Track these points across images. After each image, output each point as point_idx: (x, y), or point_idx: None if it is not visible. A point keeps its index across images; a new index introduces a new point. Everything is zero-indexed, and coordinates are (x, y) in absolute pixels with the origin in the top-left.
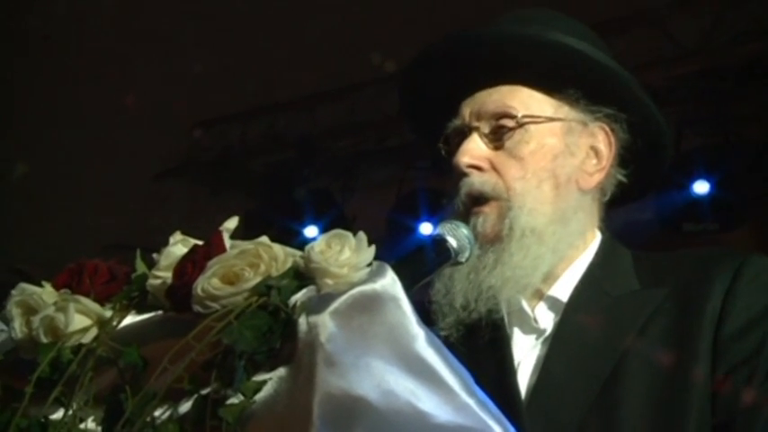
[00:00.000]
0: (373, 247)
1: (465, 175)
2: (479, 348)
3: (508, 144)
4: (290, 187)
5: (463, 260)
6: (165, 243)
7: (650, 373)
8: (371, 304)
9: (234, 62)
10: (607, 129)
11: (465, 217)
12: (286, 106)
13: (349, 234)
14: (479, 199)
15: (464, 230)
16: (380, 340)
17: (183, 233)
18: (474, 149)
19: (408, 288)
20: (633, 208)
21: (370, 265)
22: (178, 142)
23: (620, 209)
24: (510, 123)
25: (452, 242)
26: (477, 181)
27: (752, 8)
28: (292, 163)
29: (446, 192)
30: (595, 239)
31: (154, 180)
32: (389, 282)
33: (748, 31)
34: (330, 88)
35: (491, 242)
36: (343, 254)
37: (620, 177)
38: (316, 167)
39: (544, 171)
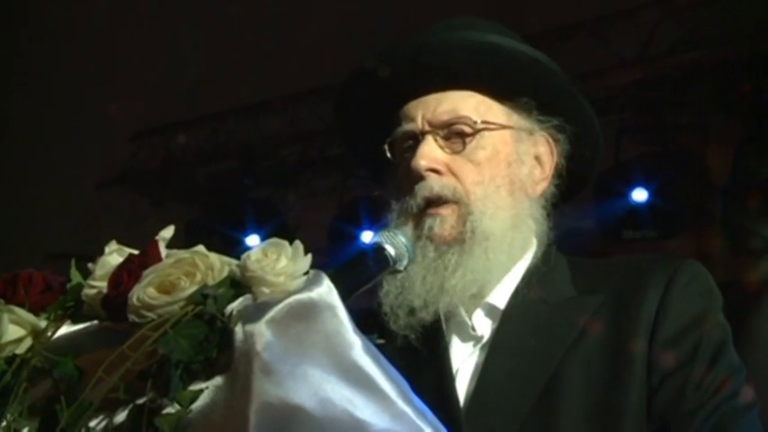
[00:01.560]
0: (310, 256)
1: (422, 178)
2: (418, 356)
3: (464, 149)
4: (232, 196)
5: (401, 268)
6: (100, 252)
7: (587, 380)
8: (308, 313)
9: (175, 70)
10: (550, 140)
11: (418, 218)
12: (228, 115)
13: (285, 243)
14: (436, 202)
15: (402, 238)
16: (317, 349)
17: (123, 243)
18: (431, 152)
19: (347, 296)
20: (574, 216)
21: (306, 273)
22: (120, 151)
23: (562, 216)
24: (466, 129)
25: (390, 250)
26: (436, 184)
27: (689, 18)
28: (234, 172)
29: (386, 199)
30: (533, 246)
31: (96, 189)
32: (326, 290)
33: (686, 41)
34: (272, 97)
35: (448, 244)
36: (279, 262)
37: (554, 189)
38: (258, 176)
39: (500, 177)
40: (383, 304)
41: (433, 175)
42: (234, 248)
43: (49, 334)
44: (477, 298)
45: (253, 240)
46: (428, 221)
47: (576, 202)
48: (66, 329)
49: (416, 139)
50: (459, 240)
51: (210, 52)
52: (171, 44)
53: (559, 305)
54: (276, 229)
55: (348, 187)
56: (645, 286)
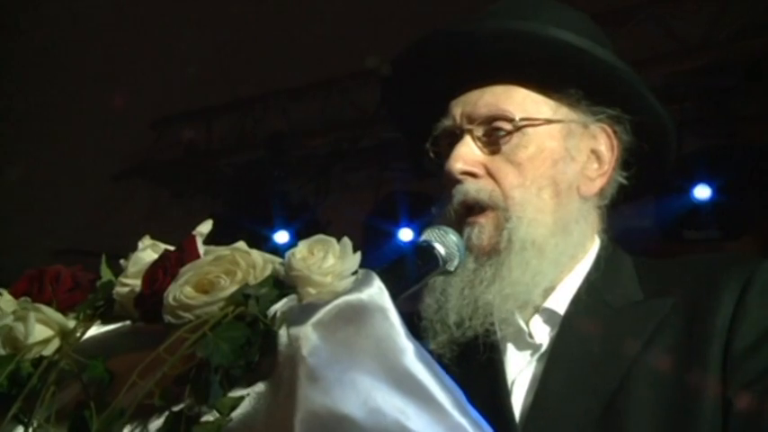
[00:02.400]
0: (359, 254)
1: (458, 182)
2: (472, 367)
3: (504, 149)
4: (259, 189)
5: (452, 269)
6: (125, 248)
7: (657, 390)
8: (357, 315)
9: (200, 56)
10: (609, 131)
11: (457, 227)
12: (255, 102)
13: (333, 240)
14: (474, 208)
15: (453, 237)
16: (367, 354)
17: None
18: (468, 154)
19: (393, 298)
20: (632, 214)
21: (355, 273)
22: (139, 140)
23: (618, 215)
24: (506, 126)
25: (440, 249)
26: (472, 188)
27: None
28: (262, 163)
29: (429, 195)
30: (594, 246)
31: (112, 180)
32: (377, 291)
33: (754, 25)
34: (303, 83)
35: (487, 255)
36: (326, 261)
37: (621, 180)
38: (287, 168)
39: (544, 178)
40: (423, 318)
41: (469, 179)
42: (261, 245)
43: (78, 335)
44: (534, 303)
45: (281, 237)
46: (467, 231)
47: (632, 198)
48: (96, 330)
49: (455, 136)
50: (496, 251)
51: (238, 35)
52: (195, 26)
53: (625, 310)
54: (306, 225)
55: (384, 180)
56: (719, 289)
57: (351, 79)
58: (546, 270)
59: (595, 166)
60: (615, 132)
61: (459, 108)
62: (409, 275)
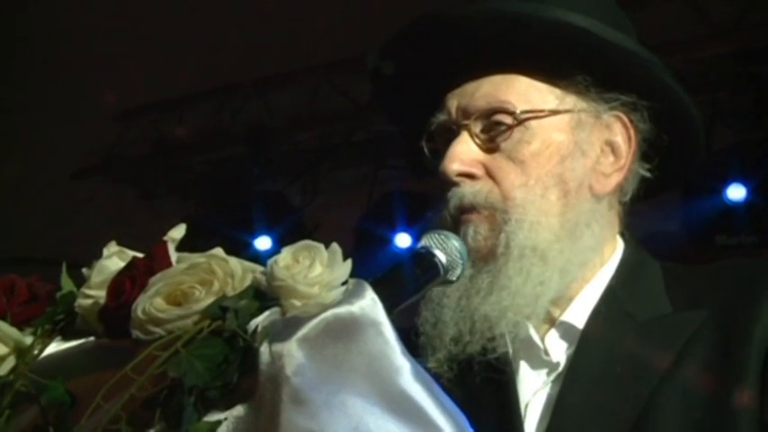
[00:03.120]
0: (349, 262)
1: (454, 184)
2: (478, 388)
3: (505, 145)
4: (237, 189)
5: (454, 278)
6: (87, 256)
7: (688, 412)
8: (348, 330)
9: (170, 38)
10: (625, 119)
11: (454, 230)
12: (233, 91)
13: (320, 246)
14: (469, 210)
15: (455, 243)
16: (358, 373)
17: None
18: (464, 153)
19: (389, 312)
20: (657, 217)
21: (345, 283)
22: (101, 134)
23: (642, 218)
24: (507, 120)
25: (441, 257)
26: (468, 192)
27: None
28: (241, 160)
29: (430, 197)
30: (616, 251)
31: (71, 180)
32: (369, 303)
33: None
34: (287, 69)
35: (484, 260)
36: (313, 269)
37: (643, 173)
38: (269, 166)
39: (550, 176)
40: (420, 334)
41: (466, 181)
42: (240, 252)
43: (36, 352)
44: (550, 316)
45: (263, 243)
46: (462, 230)
47: (657, 200)
48: (55, 347)
49: (451, 132)
50: (494, 256)
51: (213, 14)
52: (164, 5)
53: (651, 323)
54: (291, 229)
55: (379, 179)
56: (757, 299)
57: (341, 65)
58: (550, 279)
59: (611, 159)
60: (631, 121)
61: (454, 101)
62: (406, 286)
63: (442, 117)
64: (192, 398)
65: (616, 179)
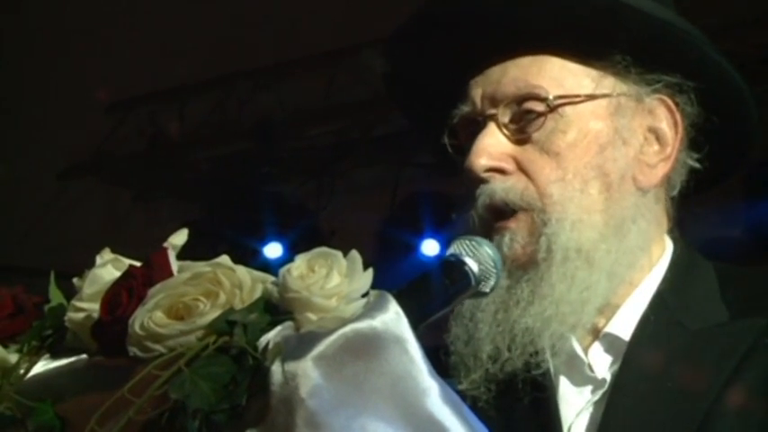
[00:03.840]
0: (371, 272)
1: (482, 180)
2: (515, 408)
3: (537, 135)
4: (244, 190)
5: (487, 290)
6: (78, 264)
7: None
8: (369, 347)
9: (169, 22)
10: (670, 103)
11: (485, 236)
12: (239, 80)
13: (338, 254)
14: (504, 211)
15: (488, 249)
16: (381, 395)
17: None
18: (493, 146)
19: (413, 327)
20: (717, 221)
21: (366, 295)
22: (92, 129)
23: (700, 222)
24: (538, 107)
25: (473, 265)
26: (499, 188)
27: None
28: (248, 157)
29: (455, 198)
30: (665, 252)
31: (59, 180)
32: (393, 317)
33: None
34: (299, 56)
35: (523, 268)
36: (330, 280)
37: (692, 163)
38: (280, 164)
39: (589, 168)
40: (451, 353)
41: (495, 176)
42: (248, 260)
43: (22, 372)
44: (594, 326)
45: (273, 250)
46: (496, 240)
47: (718, 202)
48: (43, 366)
49: (477, 125)
50: (534, 263)
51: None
52: None
53: (705, 333)
54: (304, 235)
55: (403, 179)
56: None
57: (359, 51)
58: (598, 283)
59: (655, 148)
60: (677, 105)
61: (478, 89)
62: (434, 298)
63: (465, 108)
64: (196, 422)
65: (662, 170)
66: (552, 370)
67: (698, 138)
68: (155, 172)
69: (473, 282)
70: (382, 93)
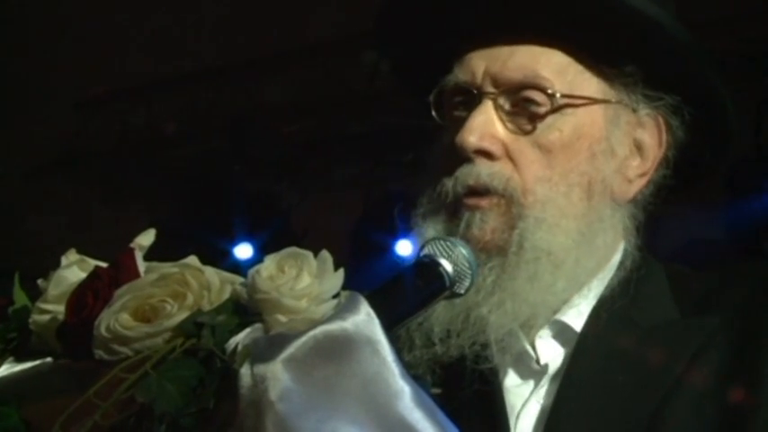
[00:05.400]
0: (342, 272)
1: (468, 159)
2: (459, 396)
3: (534, 128)
4: (215, 189)
5: (462, 291)
6: (42, 265)
7: (703, 421)
8: (340, 349)
9: (138, 17)
10: (661, 121)
11: (453, 209)
12: (209, 76)
13: (309, 254)
14: (480, 192)
15: (463, 251)
16: (352, 398)
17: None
18: (486, 125)
19: (386, 330)
20: (698, 222)
21: (337, 296)
22: (59, 126)
23: (681, 223)
24: (540, 99)
25: (447, 266)
26: (484, 172)
27: None
28: (219, 155)
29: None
30: (618, 251)
31: (23, 179)
32: (364, 319)
33: None
34: (271, 52)
35: (487, 252)
36: (300, 280)
37: (660, 181)
38: (251, 162)
39: (576, 173)
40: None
41: (482, 159)
42: (217, 261)
43: None
44: (540, 319)
45: (243, 251)
46: (465, 215)
47: (699, 202)
48: (7, 369)
49: (471, 98)
50: (501, 251)
51: None
52: None
53: (656, 330)
54: (276, 234)
55: (377, 178)
56: None
57: (335, 47)
58: (559, 288)
59: (637, 162)
60: (668, 125)
61: (481, 63)
62: (407, 300)
63: (462, 76)
64: (163, 426)
65: (638, 185)
66: (498, 364)
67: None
68: (123, 170)
69: (448, 283)
70: (356, 91)
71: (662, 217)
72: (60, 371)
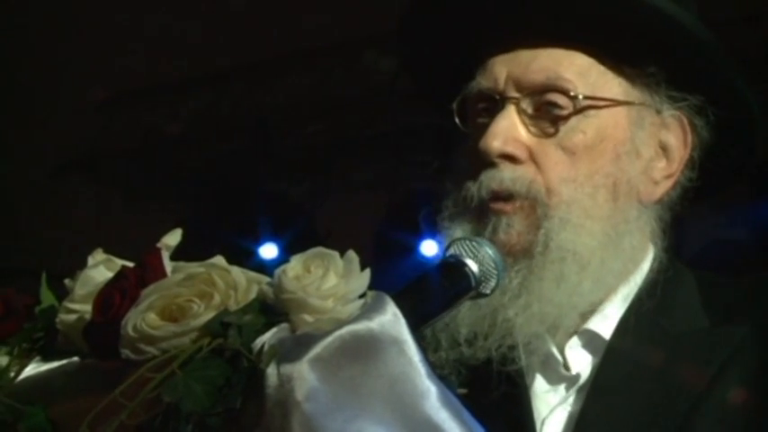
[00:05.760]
0: (368, 273)
1: (492, 164)
2: (486, 399)
3: (556, 130)
4: (239, 190)
5: (488, 291)
6: (69, 265)
7: None
8: (366, 349)
9: (160, 18)
10: (685, 122)
11: (479, 214)
12: (234, 78)
13: (335, 254)
14: (505, 197)
15: (489, 251)
16: (378, 398)
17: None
18: (510, 130)
19: (412, 330)
20: (721, 223)
21: (363, 296)
22: (82, 126)
23: (703, 223)
24: (562, 102)
25: (473, 266)
26: (507, 177)
27: None
28: (243, 156)
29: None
30: (647, 257)
31: (49, 179)
32: (391, 319)
33: None
34: (295, 51)
35: (514, 256)
36: (326, 280)
37: (686, 183)
38: (275, 163)
39: (602, 175)
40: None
41: (506, 163)
42: (243, 261)
43: (13, 375)
44: (570, 326)
45: (268, 251)
46: (492, 220)
47: (723, 203)
48: (34, 368)
49: (494, 104)
50: (527, 253)
51: None
52: None
53: (685, 338)
54: (300, 235)
55: (402, 178)
56: None
57: (357, 45)
58: (586, 290)
59: (663, 164)
60: (693, 126)
61: (503, 68)
62: (433, 300)
63: (484, 83)
64: (189, 425)
65: (664, 187)
66: (525, 366)
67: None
68: (147, 171)
69: (473, 283)
70: (379, 90)
71: (685, 218)
72: (87, 370)
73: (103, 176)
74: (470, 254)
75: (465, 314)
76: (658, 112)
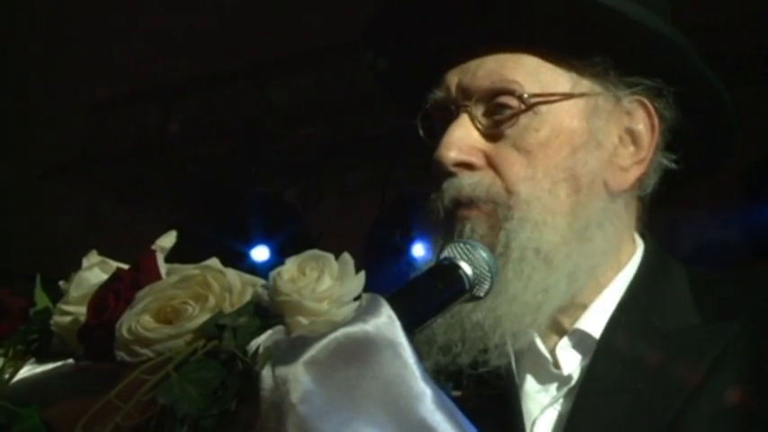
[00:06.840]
0: (362, 275)
1: (450, 174)
2: (478, 402)
3: (510, 132)
4: (231, 192)
5: (482, 294)
6: (63, 267)
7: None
8: (361, 352)
9: (154, 21)
10: (649, 105)
11: (447, 227)
12: (225, 80)
13: (330, 256)
14: (467, 204)
15: (482, 253)
16: (373, 400)
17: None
18: (463, 139)
19: (406, 332)
20: (713, 225)
21: (358, 298)
22: (75, 128)
23: (696, 226)
24: (512, 103)
25: (467, 269)
26: (466, 183)
27: None
28: (235, 158)
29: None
30: (636, 252)
31: (41, 181)
32: (385, 321)
33: None
34: (287, 54)
35: None
36: (321, 283)
37: (668, 164)
38: (267, 165)
39: (560, 169)
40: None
41: (464, 171)
42: (235, 264)
43: (7, 376)
44: (559, 324)
45: (261, 253)
46: (457, 228)
47: (715, 205)
48: (29, 370)
49: (450, 114)
50: None
51: None
52: None
53: (677, 335)
54: (292, 237)
55: (393, 180)
56: None
57: (349, 49)
58: (556, 286)
59: (631, 149)
60: (656, 108)
61: (454, 77)
62: (427, 303)
63: (439, 94)
64: (184, 427)
65: (636, 173)
66: (516, 367)
67: (674, 141)
68: (139, 173)
69: (467, 286)
70: (371, 93)
71: (678, 220)
72: (81, 372)
73: (95, 178)
74: (464, 256)
75: (439, 323)
76: (617, 99)
